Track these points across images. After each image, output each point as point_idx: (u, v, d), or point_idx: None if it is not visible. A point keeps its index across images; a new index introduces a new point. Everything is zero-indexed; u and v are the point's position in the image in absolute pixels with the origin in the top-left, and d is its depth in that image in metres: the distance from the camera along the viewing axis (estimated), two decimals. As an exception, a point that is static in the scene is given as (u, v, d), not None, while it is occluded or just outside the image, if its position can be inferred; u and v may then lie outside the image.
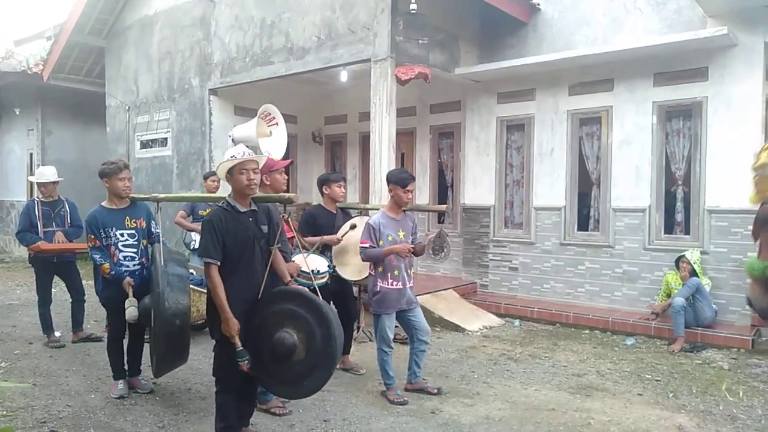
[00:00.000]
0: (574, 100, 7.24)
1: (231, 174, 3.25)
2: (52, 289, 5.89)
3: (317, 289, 3.42)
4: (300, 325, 3.20)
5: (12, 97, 12.40)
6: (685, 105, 6.52)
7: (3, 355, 5.35)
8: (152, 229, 4.41)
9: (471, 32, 7.95)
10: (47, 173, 5.80)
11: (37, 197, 5.80)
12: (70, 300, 5.89)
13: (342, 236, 4.72)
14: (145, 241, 4.38)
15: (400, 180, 4.21)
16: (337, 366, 4.48)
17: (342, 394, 4.43)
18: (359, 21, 6.96)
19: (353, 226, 4.68)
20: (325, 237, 4.71)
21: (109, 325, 4.49)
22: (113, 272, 4.16)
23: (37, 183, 5.80)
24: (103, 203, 4.40)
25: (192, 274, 4.89)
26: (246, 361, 3.14)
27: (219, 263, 3.19)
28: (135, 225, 4.32)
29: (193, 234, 6.24)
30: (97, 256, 4.19)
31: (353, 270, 4.75)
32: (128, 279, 4.17)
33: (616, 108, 6.92)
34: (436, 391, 4.36)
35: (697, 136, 6.42)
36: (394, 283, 4.20)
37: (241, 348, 3.16)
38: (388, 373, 4.27)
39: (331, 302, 4.76)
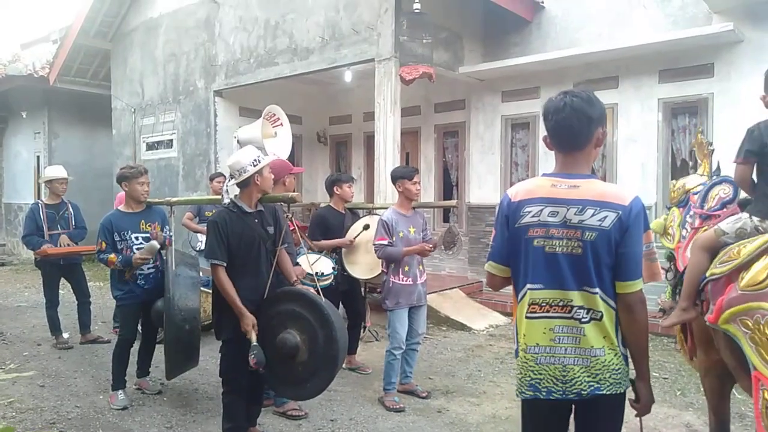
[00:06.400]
0: (579, 98, 7.20)
1: (261, 175, 3.27)
2: (60, 291, 5.93)
3: (320, 290, 3.41)
4: (302, 327, 3.21)
5: (19, 100, 12.47)
6: (690, 102, 6.48)
7: (12, 356, 5.39)
8: (164, 234, 4.41)
9: (475, 31, 7.94)
10: (61, 169, 5.81)
11: (41, 200, 5.79)
12: (76, 302, 5.92)
13: (354, 238, 4.71)
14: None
15: (406, 173, 4.24)
16: (344, 365, 4.49)
17: (348, 393, 4.43)
18: (363, 21, 6.97)
19: (366, 226, 4.63)
20: (338, 240, 4.71)
21: (120, 328, 4.44)
22: (120, 261, 4.13)
23: (53, 179, 5.72)
24: (119, 207, 4.45)
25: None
26: (254, 356, 3.12)
27: (225, 264, 3.20)
28: (149, 229, 4.33)
29: (199, 235, 6.26)
30: (103, 256, 4.17)
31: (364, 269, 4.74)
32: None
33: (621, 105, 6.89)
34: (425, 394, 4.32)
35: (704, 133, 6.37)
36: (405, 278, 4.18)
37: (256, 343, 3.15)
38: (391, 377, 4.18)
39: (341, 302, 4.78)
